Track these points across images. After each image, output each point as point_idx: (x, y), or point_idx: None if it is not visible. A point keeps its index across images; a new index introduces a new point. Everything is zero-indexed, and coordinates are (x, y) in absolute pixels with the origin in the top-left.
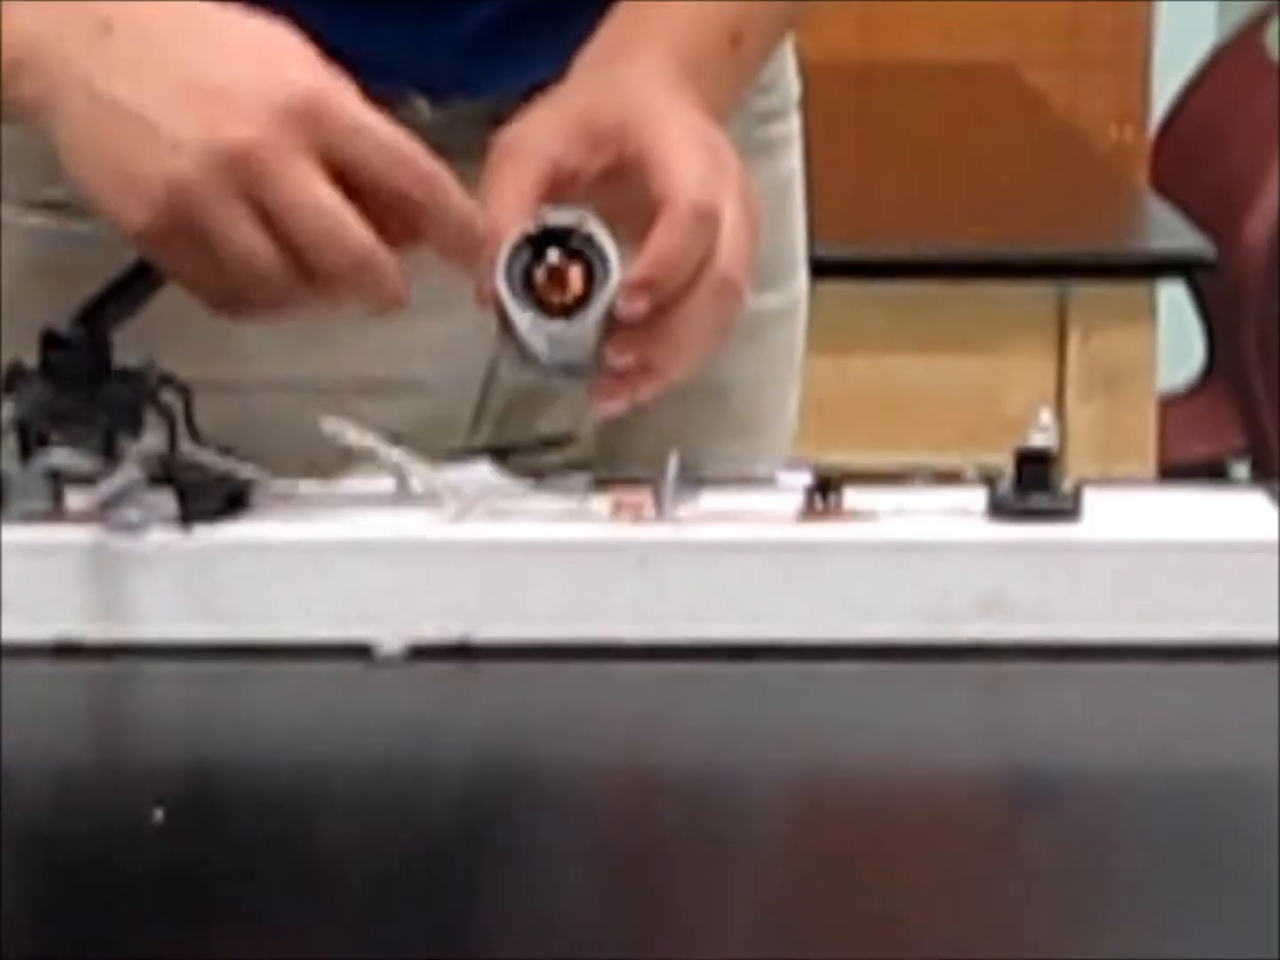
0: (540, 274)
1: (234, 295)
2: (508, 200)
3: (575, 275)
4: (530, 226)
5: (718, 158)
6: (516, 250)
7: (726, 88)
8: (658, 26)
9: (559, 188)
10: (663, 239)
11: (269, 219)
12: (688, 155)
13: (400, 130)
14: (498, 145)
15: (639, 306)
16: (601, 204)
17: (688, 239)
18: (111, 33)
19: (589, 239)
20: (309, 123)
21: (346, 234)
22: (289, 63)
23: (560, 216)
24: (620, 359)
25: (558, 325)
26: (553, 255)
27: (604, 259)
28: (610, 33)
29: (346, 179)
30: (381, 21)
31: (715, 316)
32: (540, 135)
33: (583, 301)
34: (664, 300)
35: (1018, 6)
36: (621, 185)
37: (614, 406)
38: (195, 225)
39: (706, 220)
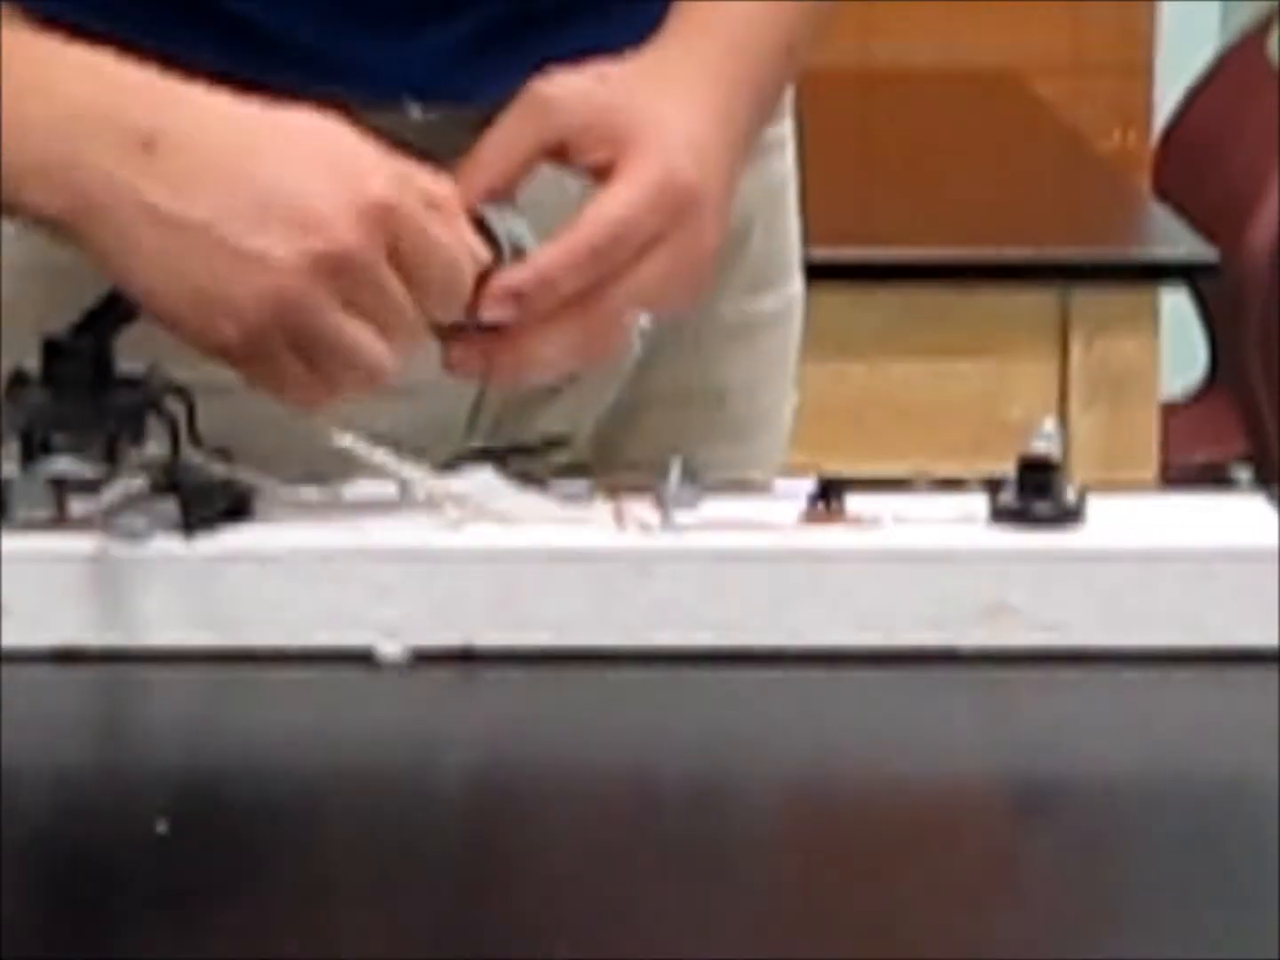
0: None
1: (325, 387)
2: (497, 153)
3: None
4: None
5: (678, 208)
6: None
7: (778, 97)
8: (723, 29)
9: (556, 158)
10: (550, 257)
11: (367, 316)
12: (633, 196)
13: (457, 229)
14: (532, 92)
15: (500, 315)
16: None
17: (570, 270)
18: (157, 149)
19: (519, 249)
20: (387, 227)
21: (420, 331)
22: (352, 165)
23: (498, 221)
24: (461, 359)
25: None
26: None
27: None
28: (676, 27)
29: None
30: (373, 27)
31: (575, 345)
32: (568, 108)
33: None
34: (530, 315)
35: (1020, 12)
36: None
37: (465, 370)
38: (299, 334)
39: (600, 260)
